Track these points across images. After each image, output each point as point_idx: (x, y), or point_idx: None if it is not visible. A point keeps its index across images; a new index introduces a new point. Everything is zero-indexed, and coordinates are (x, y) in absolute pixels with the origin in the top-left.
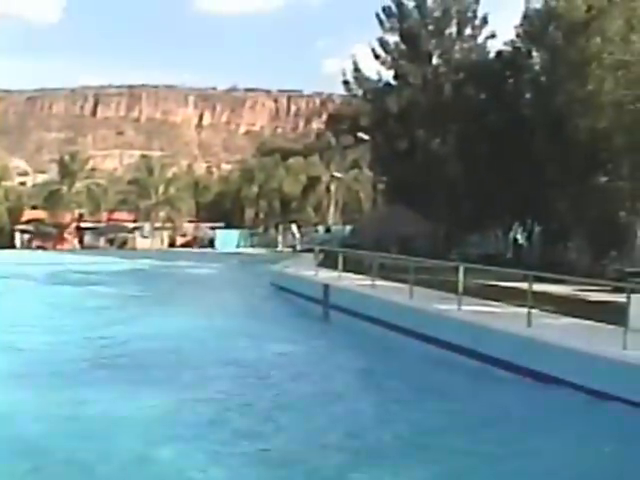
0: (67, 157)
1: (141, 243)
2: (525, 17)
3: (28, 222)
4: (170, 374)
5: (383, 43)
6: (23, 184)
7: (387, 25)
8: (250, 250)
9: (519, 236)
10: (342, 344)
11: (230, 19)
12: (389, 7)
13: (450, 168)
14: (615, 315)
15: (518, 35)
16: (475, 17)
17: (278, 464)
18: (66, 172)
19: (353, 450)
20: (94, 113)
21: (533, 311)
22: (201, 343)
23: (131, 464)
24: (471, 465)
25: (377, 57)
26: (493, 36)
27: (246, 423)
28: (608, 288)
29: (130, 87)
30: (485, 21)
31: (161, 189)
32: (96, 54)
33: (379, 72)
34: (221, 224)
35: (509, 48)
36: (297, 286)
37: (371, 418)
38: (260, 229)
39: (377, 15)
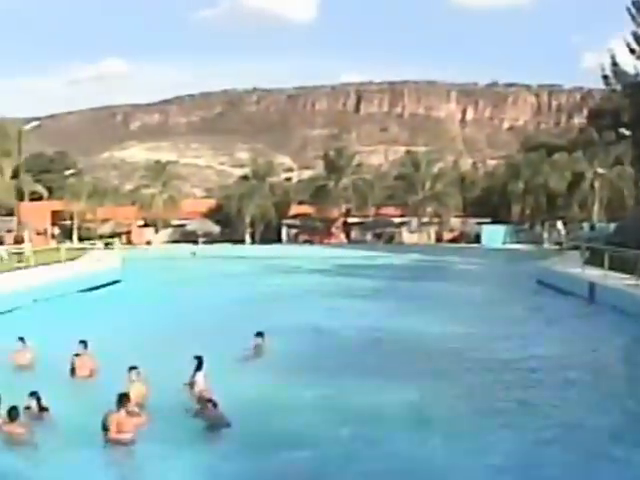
0: (333, 153)
1: (408, 238)
2: None
3: (295, 217)
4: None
5: (637, 37)
6: (288, 180)
7: (639, 19)
8: (516, 246)
9: None
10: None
11: (487, 13)
12: (638, 1)
13: None
14: None
15: None
16: None
17: None
18: (332, 168)
19: None
20: (357, 109)
21: None
22: (473, 341)
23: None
24: None
25: (632, 51)
26: None
27: None
28: None
29: (391, 83)
30: None
31: (428, 184)
32: (355, 51)
33: (636, 66)
34: (487, 219)
35: None
36: (563, 283)
37: None
38: (526, 225)
39: (628, 9)
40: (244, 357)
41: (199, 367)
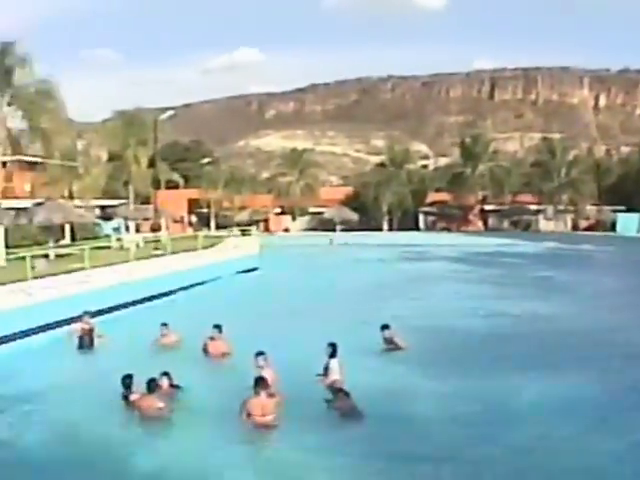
0: (469, 140)
1: (545, 226)
2: None
3: (432, 204)
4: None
5: None
6: (425, 167)
7: None
8: None
9: None
10: None
11: None
12: None
13: None
14: None
15: None
16: None
17: None
18: (469, 155)
19: None
20: (491, 96)
21: None
22: (612, 328)
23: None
24: None
25: None
26: None
27: None
28: None
29: (524, 70)
30: None
31: (563, 172)
32: (488, 37)
33: None
34: (622, 207)
35: None
36: None
37: None
38: None
39: None
40: (376, 346)
41: (333, 354)
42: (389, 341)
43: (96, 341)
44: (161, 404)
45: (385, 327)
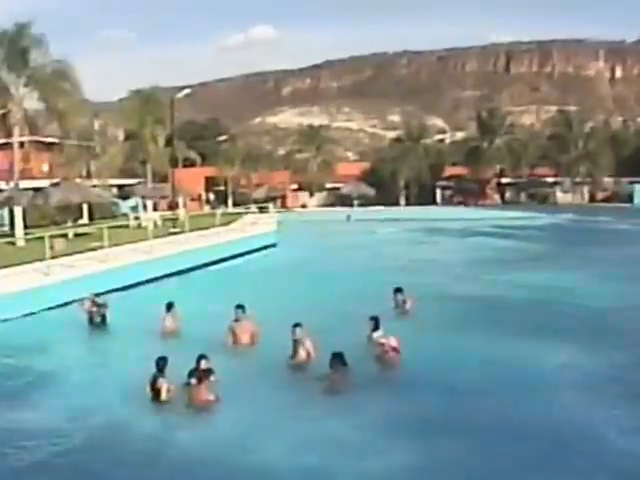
0: (485, 114)
1: (562, 198)
2: None
3: (449, 178)
4: None
5: None
6: (441, 141)
7: None
8: None
9: None
10: None
11: None
12: None
13: None
14: None
15: None
16: None
17: None
18: (485, 128)
19: None
20: (507, 70)
21: None
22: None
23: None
24: None
25: None
26: None
27: None
28: None
29: (540, 43)
30: None
31: (580, 144)
32: (503, 11)
33: None
34: (639, 179)
35: None
36: None
37: None
38: None
39: None
40: (392, 314)
41: (376, 327)
42: (400, 304)
43: (108, 318)
44: (212, 396)
45: (398, 290)
